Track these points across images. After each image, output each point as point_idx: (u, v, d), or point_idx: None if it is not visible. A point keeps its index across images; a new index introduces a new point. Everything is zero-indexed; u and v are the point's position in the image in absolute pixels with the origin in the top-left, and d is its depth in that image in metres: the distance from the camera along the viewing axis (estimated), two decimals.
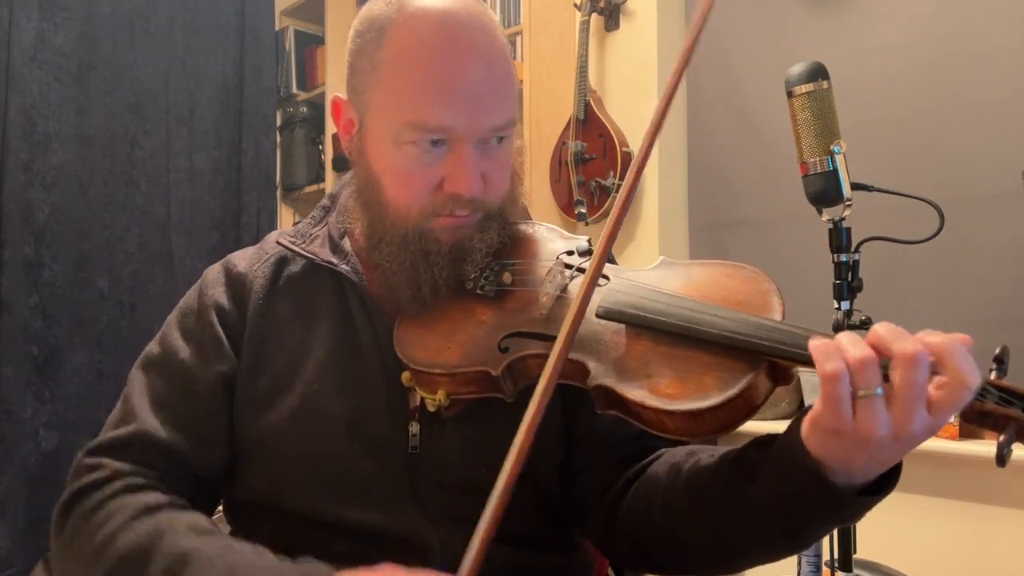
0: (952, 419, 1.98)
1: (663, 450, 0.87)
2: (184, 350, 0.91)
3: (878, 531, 1.91)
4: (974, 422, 0.65)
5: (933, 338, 0.62)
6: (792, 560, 1.63)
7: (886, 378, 0.62)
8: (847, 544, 1.33)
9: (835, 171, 1.26)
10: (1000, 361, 0.66)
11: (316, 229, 0.98)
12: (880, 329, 0.63)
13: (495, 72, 0.84)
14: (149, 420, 0.87)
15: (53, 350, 1.90)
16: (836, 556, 1.34)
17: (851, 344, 0.62)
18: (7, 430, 1.82)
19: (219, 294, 0.93)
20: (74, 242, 1.94)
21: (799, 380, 2.20)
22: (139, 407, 0.88)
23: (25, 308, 1.86)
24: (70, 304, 1.92)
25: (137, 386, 0.90)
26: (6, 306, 1.83)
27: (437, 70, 0.82)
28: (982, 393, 0.63)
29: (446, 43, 0.82)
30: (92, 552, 0.78)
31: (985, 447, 1.83)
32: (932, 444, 1.90)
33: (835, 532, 1.33)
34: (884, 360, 0.62)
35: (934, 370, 0.62)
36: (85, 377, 1.94)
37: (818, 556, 1.59)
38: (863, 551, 1.43)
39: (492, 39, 0.85)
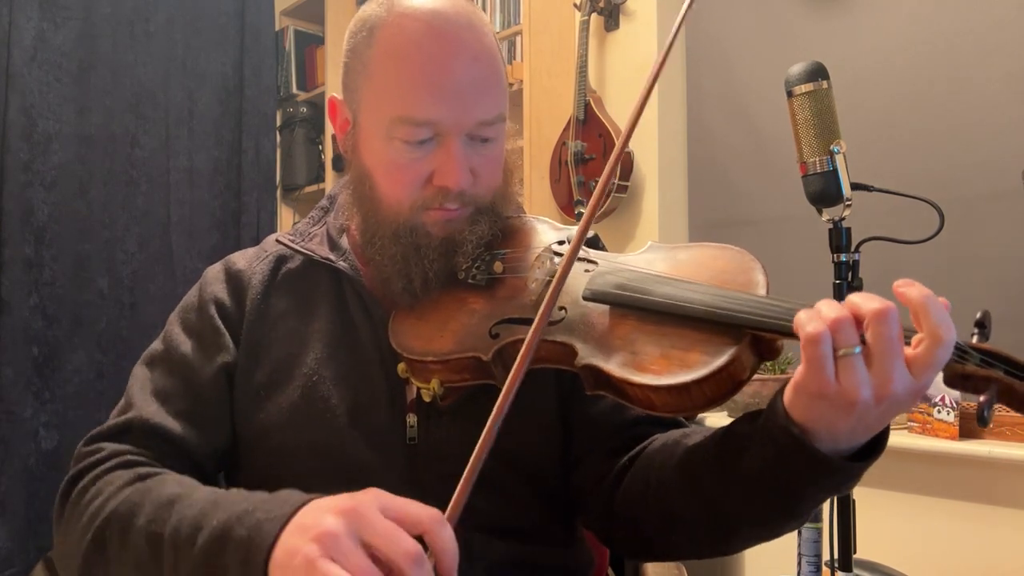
0: (952, 419, 1.97)
1: (658, 435, 0.88)
2: (185, 344, 0.93)
3: (878, 531, 1.91)
4: (956, 386, 0.65)
5: (912, 290, 0.63)
6: (792, 560, 1.63)
7: (864, 342, 0.63)
8: (847, 544, 1.32)
9: (835, 171, 1.26)
10: (981, 325, 0.67)
11: (315, 228, 1.00)
12: (853, 296, 0.64)
13: (480, 67, 0.86)
14: (148, 408, 0.88)
15: (53, 350, 1.90)
16: (836, 556, 1.34)
17: (828, 307, 0.64)
18: (7, 430, 1.82)
19: (219, 290, 0.96)
20: (74, 242, 1.94)
21: None
22: (138, 397, 0.90)
23: (25, 308, 1.86)
24: (70, 304, 1.92)
25: (139, 380, 0.92)
26: (6, 306, 1.83)
27: (424, 66, 0.84)
28: (963, 355, 0.64)
29: (433, 40, 0.84)
30: (87, 519, 0.79)
31: (985, 447, 1.83)
32: (932, 444, 1.90)
33: (835, 532, 1.33)
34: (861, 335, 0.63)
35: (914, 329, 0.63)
36: (85, 377, 1.94)
37: (818, 556, 1.59)
38: (863, 551, 1.43)
39: (479, 36, 0.87)
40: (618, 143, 0.78)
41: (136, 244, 2.03)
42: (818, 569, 1.59)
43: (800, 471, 0.67)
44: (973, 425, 1.88)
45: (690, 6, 0.78)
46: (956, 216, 1.43)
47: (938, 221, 1.28)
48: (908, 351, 0.62)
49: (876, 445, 0.69)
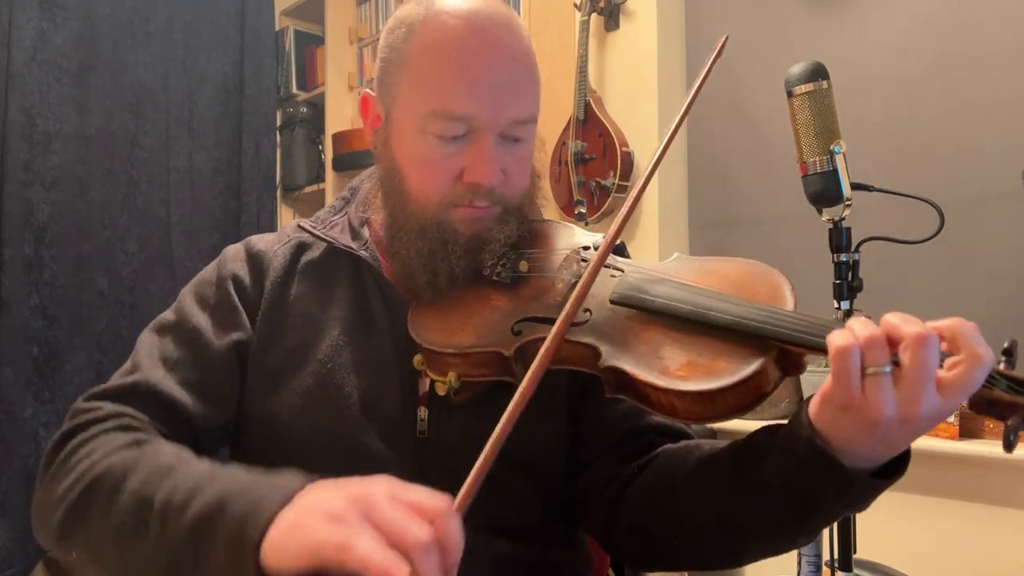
0: (952, 419, 1.96)
1: (667, 445, 0.88)
2: (199, 316, 0.92)
3: (878, 531, 1.91)
4: (982, 411, 0.65)
5: (943, 322, 0.64)
6: (792, 560, 1.63)
7: (896, 363, 0.63)
8: (847, 544, 1.33)
9: (835, 171, 1.26)
10: (1009, 353, 0.67)
11: (336, 217, 1.00)
12: (890, 316, 0.64)
13: (518, 67, 0.87)
14: (154, 373, 0.87)
15: (53, 350, 1.90)
16: (836, 556, 1.34)
17: (861, 325, 0.64)
18: (7, 430, 1.82)
19: (238, 267, 0.95)
20: (74, 242, 1.94)
21: (799, 379, 2.20)
22: (146, 362, 0.89)
23: (25, 308, 1.86)
24: (70, 304, 1.92)
25: (146, 346, 0.91)
26: (6, 306, 1.83)
27: (462, 62, 0.85)
28: (991, 381, 0.64)
29: (472, 38, 0.85)
30: (71, 480, 0.76)
31: (986, 447, 1.83)
32: (932, 444, 1.90)
33: (835, 532, 1.33)
34: (894, 355, 0.63)
35: (947, 352, 0.63)
36: (85, 377, 1.94)
37: (818, 556, 1.59)
38: (863, 551, 1.43)
39: (517, 38, 0.88)
40: (644, 176, 0.79)
41: (136, 244, 2.04)
42: (818, 569, 1.59)
43: (820, 483, 0.68)
44: (973, 425, 1.88)
45: (717, 58, 0.79)
46: (956, 216, 1.43)
47: (938, 221, 1.28)
48: (940, 373, 0.63)
49: (897, 465, 0.69)
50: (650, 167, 0.80)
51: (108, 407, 0.84)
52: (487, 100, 0.85)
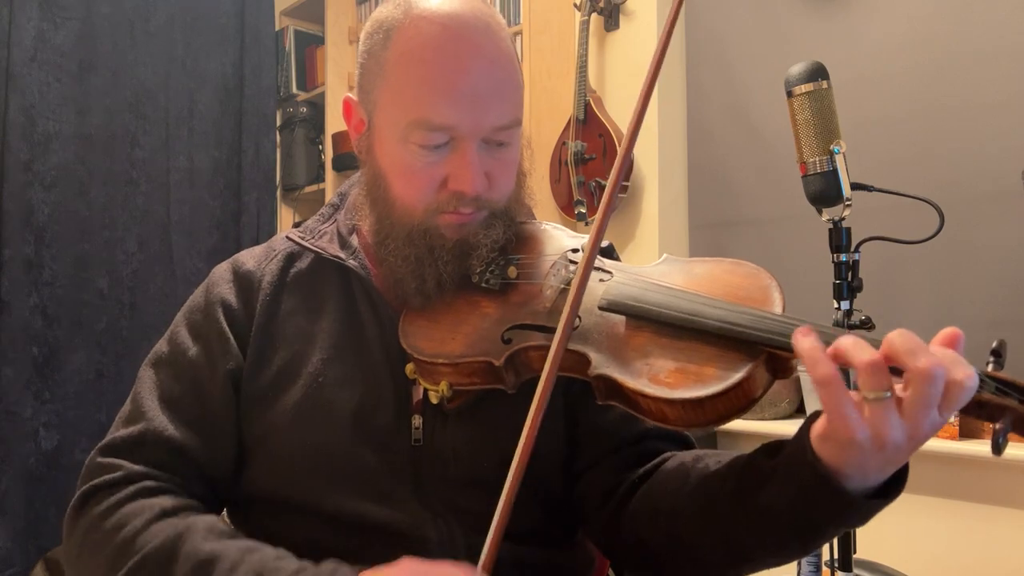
0: (952, 419, 1.97)
1: (668, 454, 0.87)
2: (192, 348, 0.91)
3: (878, 531, 1.91)
4: (971, 413, 0.65)
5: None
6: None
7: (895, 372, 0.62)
8: (847, 544, 1.33)
9: (835, 171, 1.26)
10: (997, 354, 0.66)
11: (325, 226, 0.99)
12: (896, 339, 0.62)
13: (497, 72, 0.85)
14: (159, 418, 0.87)
15: (53, 350, 1.90)
16: (836, 556, 1.34)
17: (857, 348, 0.62)
18: (7, 430, 1.82)
19: (226, 291, 0.94)
20: (74, 242, 1.94)
21: (799, 379, 2.20)
22: (148, 405, 0.89)
23: (25, 308, 1.86)
24: (70, 304, 1.93)
25: (147, 384, 0.91)
26: (6, 306, 1.83)
27: (440, 70, 0.83)
28: (979, 384, 0.63)
29: (449, 44, 0.83)
30: (112, 553, 0.78)
31: (985, 447, 1.82)
32: (932, 444, 1.89)
33: None
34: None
35: None
36: (85, 377, 1.94)
37: (818, 556, 1.59)
38: (863, 551, 1.43)
39: (496, 41, 0.86)
40: (620, 151, 0.78)
41: (136, 244, 2.04)
42: (818, 569, 1.59)
43: (823, 509, 0.67)
44: (973, 425, 1.88)
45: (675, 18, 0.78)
46: (956, 216, 1.43)
47: (938, 221, 1.28)
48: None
49: (897, 480, 0.69)
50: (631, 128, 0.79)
51: (125, 467, 0.85)
52: (467, 109, 0.83)
